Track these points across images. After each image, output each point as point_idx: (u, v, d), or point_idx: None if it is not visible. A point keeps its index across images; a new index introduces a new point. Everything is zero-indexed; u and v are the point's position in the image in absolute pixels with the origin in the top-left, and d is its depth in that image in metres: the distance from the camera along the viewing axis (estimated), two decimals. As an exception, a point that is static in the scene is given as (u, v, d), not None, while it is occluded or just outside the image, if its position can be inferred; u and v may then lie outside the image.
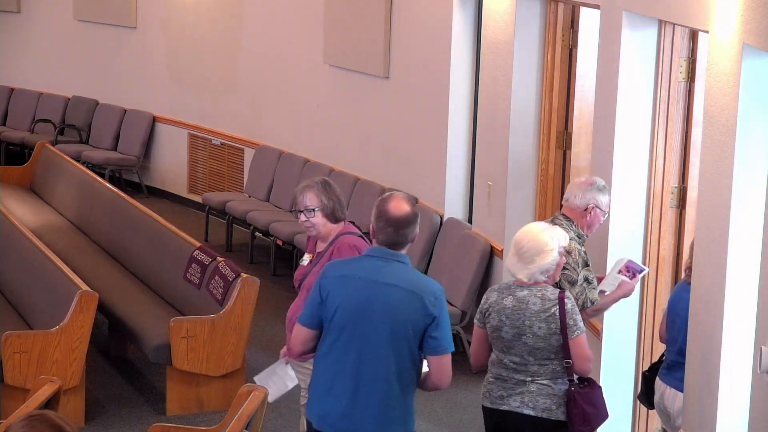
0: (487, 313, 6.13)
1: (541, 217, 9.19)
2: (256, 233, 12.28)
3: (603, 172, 7.56)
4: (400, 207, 5.68)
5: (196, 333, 8.40)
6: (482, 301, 6.21)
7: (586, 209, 6.86)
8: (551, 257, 6.04)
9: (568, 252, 6.59)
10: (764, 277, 6.02)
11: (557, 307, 5.96)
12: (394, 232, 5.65)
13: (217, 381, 8.53)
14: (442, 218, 10.47)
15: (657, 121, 7.48)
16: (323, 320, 5.69)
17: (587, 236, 6.98)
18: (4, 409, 7.91)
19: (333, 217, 6.59)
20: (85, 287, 8.34)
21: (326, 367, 5.72)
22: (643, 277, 7.18)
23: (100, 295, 8.55)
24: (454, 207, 10.52)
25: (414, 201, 5.83)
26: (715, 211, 6.40)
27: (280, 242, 11.68)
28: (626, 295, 6.97)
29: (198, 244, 9.45)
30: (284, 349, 6.67)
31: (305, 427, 6.03)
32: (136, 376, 9.26)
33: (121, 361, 9.52)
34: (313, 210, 6.53)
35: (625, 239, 7.53)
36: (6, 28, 16.06)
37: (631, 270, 6.99)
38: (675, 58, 7.40)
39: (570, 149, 8.97)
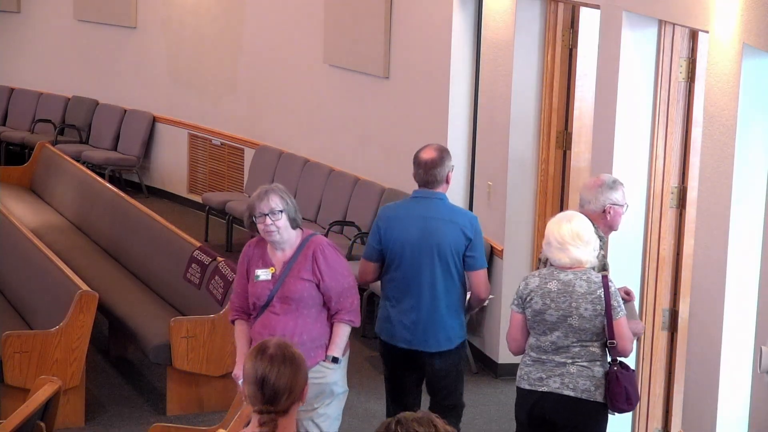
0: (529, 297, 6.22)
1: (541, 217, 9.19)
2: (256, 233, 12.25)
3: (603, 172, 7.56)
4: (427, 152, 6.92)
5: (196, 333, 8.40)
6: (521, 287, 6.28)
7: (604, 211, 6.80)
8: (594, 242, 6.23)
9: None
10: (764, 277, 6.03)
11: (602, 289, 6.10)
12: (424, 172, 6.90)
13: (217, 381, 8.53)
14: (442, 218, 10.46)
15: (657, 121, 7.49)
16: (384, 253, 6.92)
17: (608, 234, 6.88)
18: (4, 409, 7.90)
19: (294, 222, 6.47)
20: (85, 287, 8.33)
21: (392, 291, 6.96)
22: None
23: (100, 295, 8.55)
24: (454, 207, 10.51)
25: (445, 149, 6.99)
26: (715, 211, 6.41)
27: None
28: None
29: (198, 244, 9.44)
30: (235, 372, 6.60)
31: None
32: (136, 376, 9.26)
33: (121, 361, 9.52)
34: (281, 212, 6.39)
35: (625, 239, 7.53)
36: (6, 28, 16.06)
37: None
38: (675, 58, 7.41)
39: (570, 149, 8.98)
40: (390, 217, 6.98)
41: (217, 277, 8.75)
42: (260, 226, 6.45)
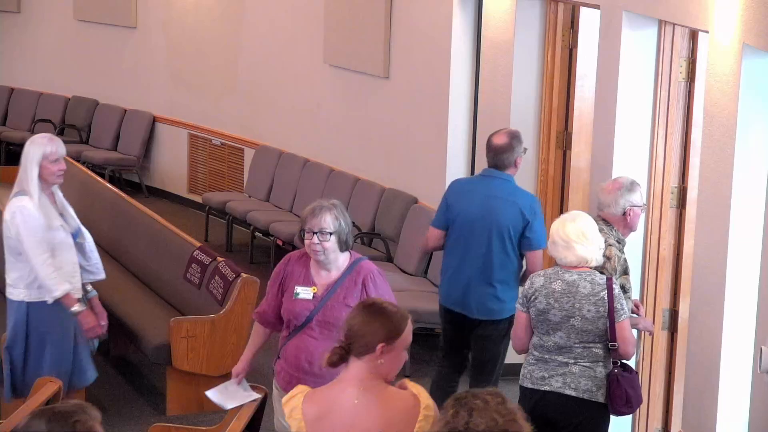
0: (533, 297, 6.24)
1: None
2: (256, 233, 12.27)
3: (603, 172, 7.56)
4: (499, 137, 7.48)
5: (196, 333, 8.40)
6: (526, 286, 6.31)
7: (624, 213, 6.80)
8: (599, 241, 6.25)
9: (607, 258, 6.56)
10: (764, 277, 6.03)
11: (606, 291, 6.12)
12: (493, 156, 7.46)
13: (217, 381, 8.47)
14: (442, 218, 10.46)
15: (657, 121, 7.49)
16: (448, 222, 7.50)
17: (627, 235, 6.86)
18: (4, 409, 7.90)
19: (345, 244, 6.14)
20: (85, 287, 8.32)
21: (451, 259, 7.54)
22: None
23: (100, 295, 8.54)
24: (454, 207, 10.49)
25: (517, 134, 7.48)
26: (715, 211, 6.41)
27: (280, 242, 11.68)
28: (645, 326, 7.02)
29: (198, 244, 9.44)
30: (235, 368, 6.56)
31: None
32: (136, 376, 9.26)
33: (121, 361, 9.52)
34: (330, 234, 6.06)
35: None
36: (6, 28, 16.06)
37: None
38: (675, 58, 7.41)
39: (570, 149, 8.98)
40: (458, 190, 7.60)
41: (217, 277, 8.75)
42: (306, 242, 6.12)
